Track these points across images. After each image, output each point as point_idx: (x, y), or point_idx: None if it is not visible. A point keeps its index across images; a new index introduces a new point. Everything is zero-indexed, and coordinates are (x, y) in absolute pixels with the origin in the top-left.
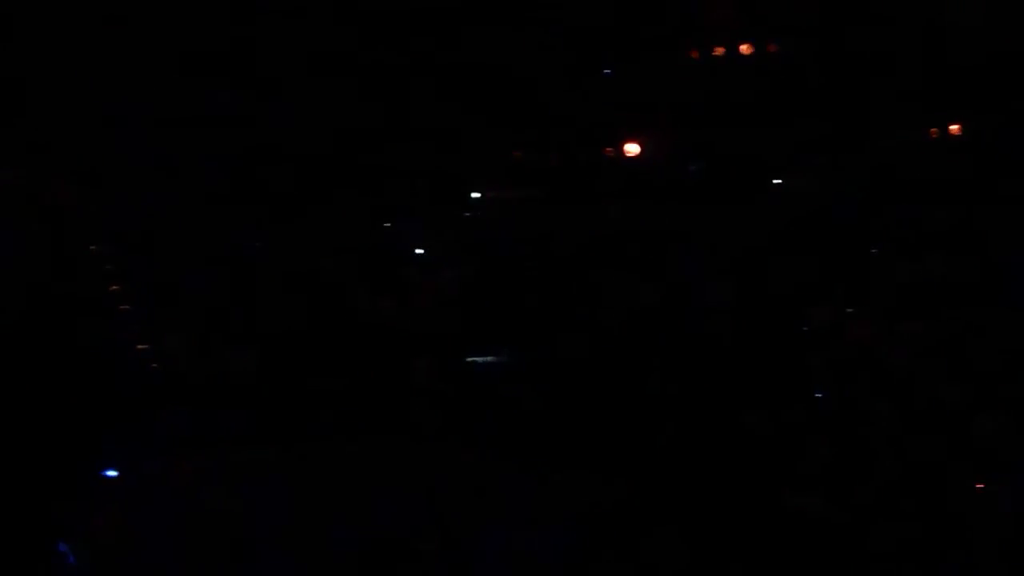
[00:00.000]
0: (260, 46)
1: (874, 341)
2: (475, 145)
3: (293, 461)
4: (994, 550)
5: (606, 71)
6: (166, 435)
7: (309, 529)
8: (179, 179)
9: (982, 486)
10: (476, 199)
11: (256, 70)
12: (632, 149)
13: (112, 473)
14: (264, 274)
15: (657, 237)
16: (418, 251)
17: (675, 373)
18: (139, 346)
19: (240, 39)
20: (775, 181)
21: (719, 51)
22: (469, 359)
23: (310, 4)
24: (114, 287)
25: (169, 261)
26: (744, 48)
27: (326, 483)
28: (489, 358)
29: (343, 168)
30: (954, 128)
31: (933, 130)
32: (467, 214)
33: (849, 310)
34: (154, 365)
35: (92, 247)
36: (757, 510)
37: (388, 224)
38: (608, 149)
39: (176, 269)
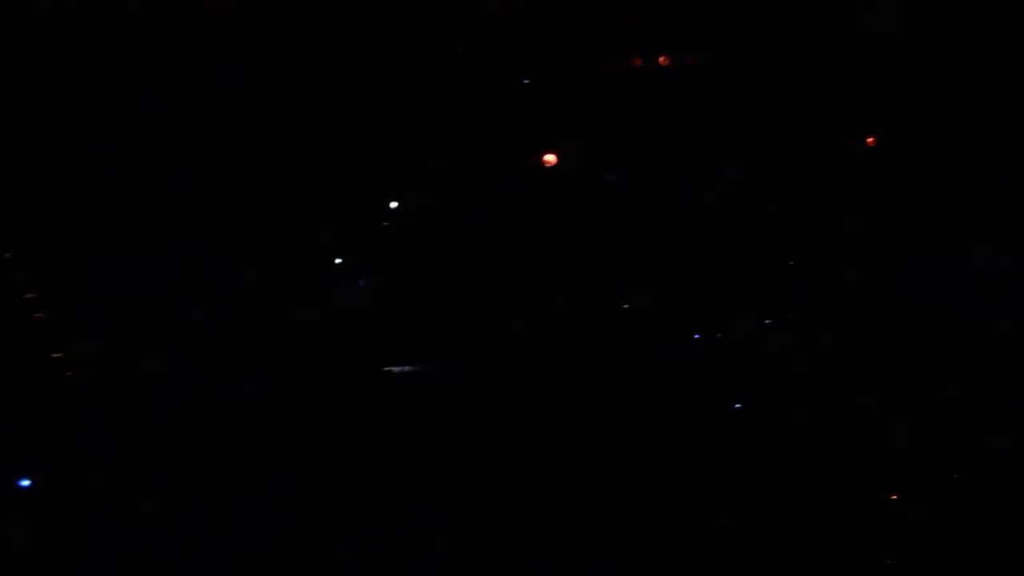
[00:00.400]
0: (174, 49)
1: (791, 352)
2: (393, 154)
3: (208, 468)
4: (907, 561)
5: (525, 80)
6: (80, 444)
7: (224, 536)
8: (93, 184)
9: (896, 497)
10: (394, 208)
11: (169, 73)
12: (551, 158)
13: (25, 483)
14: (179, 281)
15: (576, 245)
16: (336, 260)
17: (591, 381)
18: (54, 354)
19: (153, 41)
20: (693, 191)
21: (637, 62)
22: (386, 368)
23: (225, 7)
24: (29, 295)
25: (84, 268)
26: (662, 59)
27: (241, 491)
28: (406, 367)
29: (259, 174)
30: (870, 140)
31: (851, 141)
32: (384, 223)
33: (767, 321)
34: (68, 373)
35: (6, 254)
36: (671, 521)
37: (305, 232)
38: (528, 158)
39: (91, 276)
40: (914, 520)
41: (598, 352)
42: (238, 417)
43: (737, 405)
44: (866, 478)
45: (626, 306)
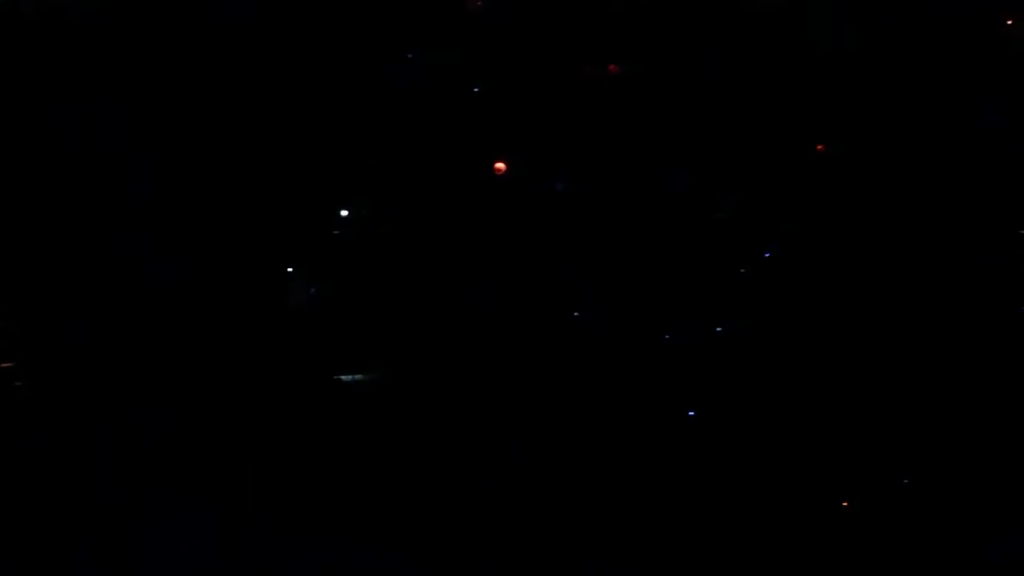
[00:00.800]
0: (114, 47)
1: (740, 357)
2: (342, 161)
3: (154, 476)
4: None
5: (475, 88)
6: (30, 452)
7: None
8: (39, 191)
9: (847, 504)
10: (344, 216)
11: (113, 74)
12: (501, 166)
13: None
14: (123, 289)
15: (525, 252)
16: (288, 269)
17: (543, 387)
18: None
19: (93, 40)
20: (642, 198)
21: (588, 71)
22: (336, 376)
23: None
24: None
25: (31, 276)
26: (611, 68)
27: (184, 502)
28: (357, 376)
29: (210, 182)
30: (819, 147)
31: (804, 147)
32: (335, 232)
33: (718, 329)
34: (18, 383)
35: None
36: (625, 526)
37: (255, 240)
38: (478, 165)
39: (38, 285)
40: (865, 524)
41: (548, 360)
42: (188, 424)
43: (691, 413)
44: (818, 484)
45: (576, 314)
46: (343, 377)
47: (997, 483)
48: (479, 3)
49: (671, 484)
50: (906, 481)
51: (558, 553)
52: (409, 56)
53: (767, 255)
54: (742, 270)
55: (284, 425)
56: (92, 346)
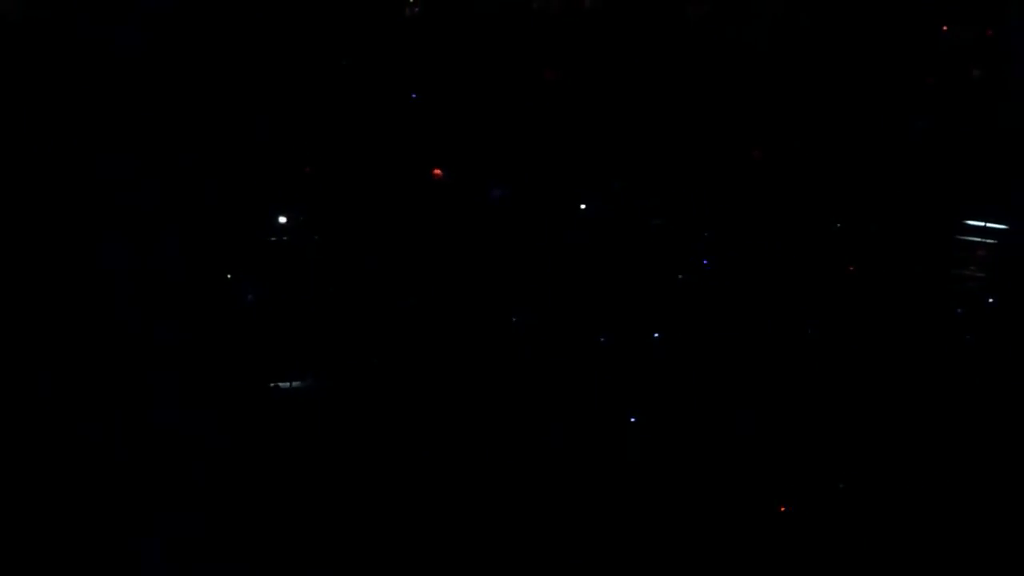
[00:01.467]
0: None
1: (681, 365)
2: (280, 168)
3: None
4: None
5: (412, 95)
6: None
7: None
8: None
9: (784, 509)
10: (282, 223)
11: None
12: (437, 172)
13: None
14: (65, 298)
15: (461, 259)
16: (228, 276)
17: (483, 394)
18: None
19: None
20: (581, 206)
21: (524, 77)
22: (272, 383)
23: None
24: None
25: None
26: (547, 74)
27: (125, 512)
28: (295, 383)
29: (148, 189)
30: (756, 153)
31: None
32: (272, 239)
33: (656, 335)
34: None
35: None
36: (563, 529)
37: (193, 247)
38: (415, 171)
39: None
40: (803, 528)
41: (486, 363)
42: (126, 435)
43: (632, 419)
44: (754, 488)
45: (514, 319)
46: (280, 384)
47: (931, 485)
48: (416, 10)
49: (612, 489)
50: (842, 486)
51: (500, 558)
52: (345, 64)
53: (705, 262)
54: (680, 276)
55: (220, 430)
56: (35, 352)
